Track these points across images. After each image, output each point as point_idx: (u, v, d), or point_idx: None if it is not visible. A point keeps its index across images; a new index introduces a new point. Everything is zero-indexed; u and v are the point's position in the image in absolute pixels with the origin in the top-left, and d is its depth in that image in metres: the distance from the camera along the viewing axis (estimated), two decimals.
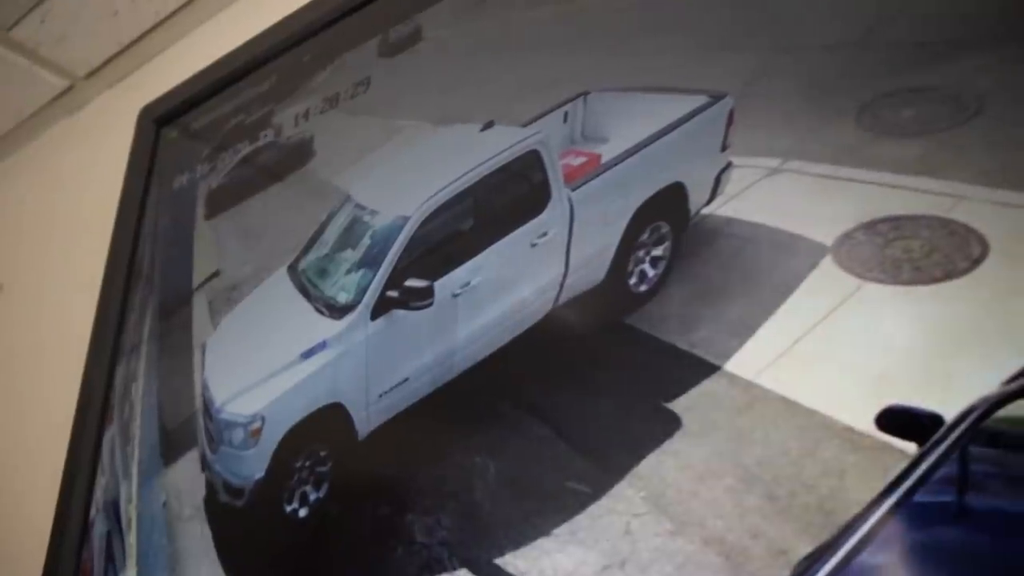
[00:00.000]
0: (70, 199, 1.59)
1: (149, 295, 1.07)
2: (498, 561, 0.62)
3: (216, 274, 1.00)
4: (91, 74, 1.65)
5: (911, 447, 0.50)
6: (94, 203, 1.47)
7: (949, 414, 0.49)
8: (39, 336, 1.46)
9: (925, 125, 0.57)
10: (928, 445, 0.50)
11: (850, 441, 0.52)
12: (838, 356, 0.54)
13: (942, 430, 0.50)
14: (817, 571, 0.50)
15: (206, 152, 1.13)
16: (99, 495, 0.96)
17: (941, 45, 0.59)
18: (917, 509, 0.50)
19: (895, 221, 0.55)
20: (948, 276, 0.52)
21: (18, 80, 1.65)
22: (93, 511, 0.95)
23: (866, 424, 0.51)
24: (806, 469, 0.52)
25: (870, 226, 0.56)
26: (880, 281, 0.55)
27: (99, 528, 0.93)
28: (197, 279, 1.02)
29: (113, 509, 0.93)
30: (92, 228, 1.43)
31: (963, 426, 0.49)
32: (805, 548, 0.51)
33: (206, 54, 1.27)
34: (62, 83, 1.67)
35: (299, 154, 0.99)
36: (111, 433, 0.99)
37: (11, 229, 1.74)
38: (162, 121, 1.22)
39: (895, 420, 0.51)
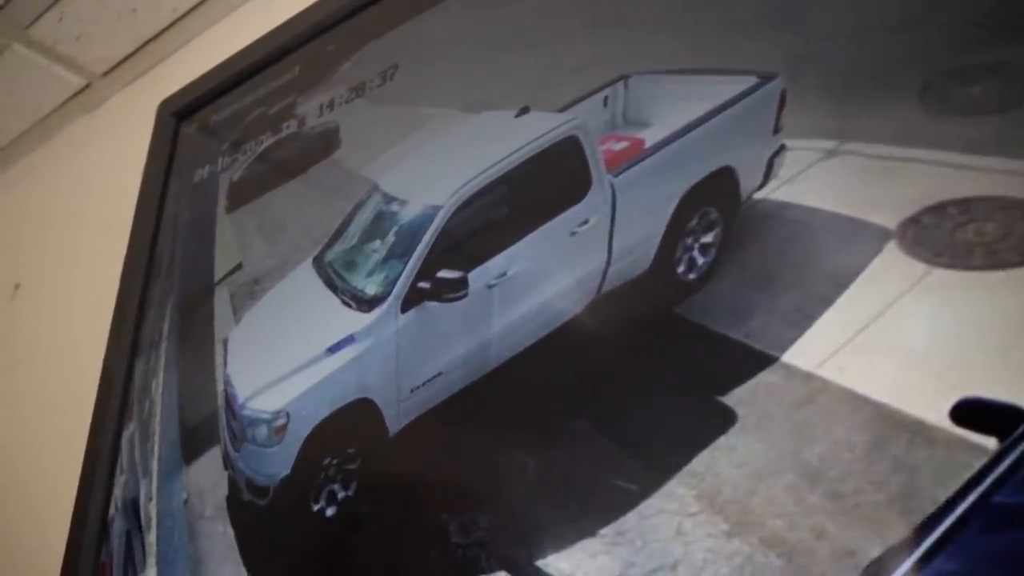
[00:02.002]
0: (88, 197, 1.58)
1: (169, 290, 1.04)
2: (539, 563, 0.59)
3: (238, 267, 0.98)
4: (109, 72, 1.65)
5: (990, 442, 0.47)
6: (112, 201, 1.46)
7: None
8: (57, 334, 1.45)
9: (996, 102, 0.54)
10: (1010, 440, 0.47)
11: (922, 435, 0.48)
12: (906, 346, 0.51)
13: None
14: (890, 574, 0.47)
15: (227, 145, 1.11)
16: (118, 493, 0.93)
17: (1009, 19, 0.56)
18: (998, 510, 0.46)
19: (965, 203, 0.52)
20: None
21: (36, 78, 1.65)
22: (112, 509, 0.93)
23: (939, 417, 0.48)
24: (874, 465, 0.49)
25: (937, 209, 0.53)
26: (950, 267, 0.51)
27: (118, 527, 0.91)
28: (219, 273, 1.00)
29: (133, 507, 0.91)
30: (110, 226, 1.41)
31: None
32: (874, 551, 0.47)
33: (225, 50, 1.26)
34: (80, 81, 1.67)
35: (324, 144, 0.97)
36: (131, 431, 0.97)
37: (29, 228, 1.74)
38: (181, 115, 1.21)
39: (972, 413, 0.48)
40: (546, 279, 0.68)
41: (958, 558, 0.46)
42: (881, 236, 0.54)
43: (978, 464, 0.47)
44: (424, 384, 0.71)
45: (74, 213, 1.61)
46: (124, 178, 1.43)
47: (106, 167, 1.58)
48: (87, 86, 1.70)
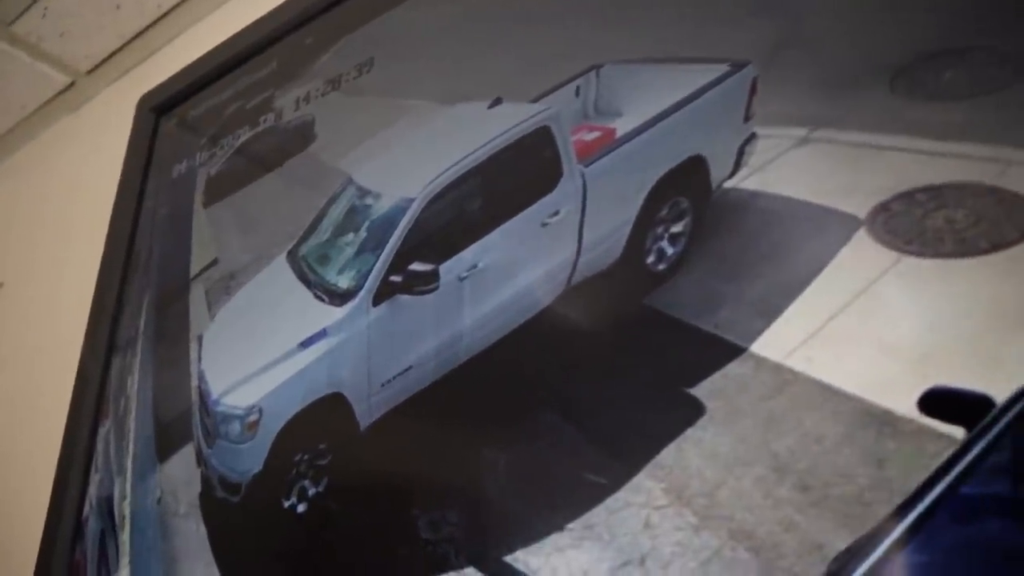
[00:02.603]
0: (72, 196, 1.57)
1: (146, 286, 1.03)
2: (508, 559, 0.58)
3: (214, 263, 0.97)
4: (93, 69, 1.63)
5: (958, 432, 0.46)
6: (97, 200, 1.45)
7: (1000, 396, 0.45)
8: (40, 333, 1.44)
9: (967, 88, 0.53)
10: (977, 430, 0.46)
11: (890, 426, 0.48)
12: (875, 335, 0.50)
13: (992, 414, 0.45)
14: (856, 568, 0.46)
15: (205, 139, 1.10)
16: (93, 492, 0.92)
17: (979, 5, 0.55)
18: (965, 501, 0.46)
19: (936, 190, 0.51)
20: (996, 247, 0.48)
21: (19, 76, 1.63)
22: (87, 509, 0.92)
23: (908, 408, 0.47)
24: (843, 457, 0.48)
25: (908, 196, 0.52)
26: (920, 254, 0.50)
27: (93, 526, 0.90)
28: (195, 268, 0.99)
29: (107, 506, 0.89)
30: (94, 225, 1.40)
31: (1016, 409, 0.45)
32: (842, 543, 0.46)
33: (209, 47, 1.25)
34: (64, 79, 1.65)
35: (300, 138, 0.96)
36: (106, 428, 0.96)
37: (12, 227, 1.72)
38: (160, 110, 1.19)
39: (940, 403, 0.47)
40: (517, 271, 0.67)
41: (927, 548, 0.46)
42: (851, 224, 0.53)
43: (946, 454, 0.46)
44: (395, 378, 0.70)
45: (58, 212, 1.60)
46: (109, 177, 1.42)
47: (91, 166, 1.56)
48: (71, 84, 1.68)
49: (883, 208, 0.53)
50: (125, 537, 0.86)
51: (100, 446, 0.95)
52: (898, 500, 0.46)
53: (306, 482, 0.73)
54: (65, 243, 1.52)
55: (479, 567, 0.59)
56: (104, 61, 1.62)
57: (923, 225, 0.51)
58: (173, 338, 0.95)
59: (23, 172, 1.78)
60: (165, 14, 1.52)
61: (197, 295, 0.96)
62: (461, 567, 0.60)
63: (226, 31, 1.23)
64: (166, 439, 0.88)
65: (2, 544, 1.09)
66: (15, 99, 1.71)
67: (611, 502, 0.55)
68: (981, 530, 0.46)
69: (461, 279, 0.68)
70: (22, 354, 1.47)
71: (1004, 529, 0.45)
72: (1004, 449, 0.45)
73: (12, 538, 1.07)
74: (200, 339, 0.89)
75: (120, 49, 1.60)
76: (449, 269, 0.69)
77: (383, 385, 0.70)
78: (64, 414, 1.12)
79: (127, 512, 0.87)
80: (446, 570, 0.60)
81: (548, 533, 0.57)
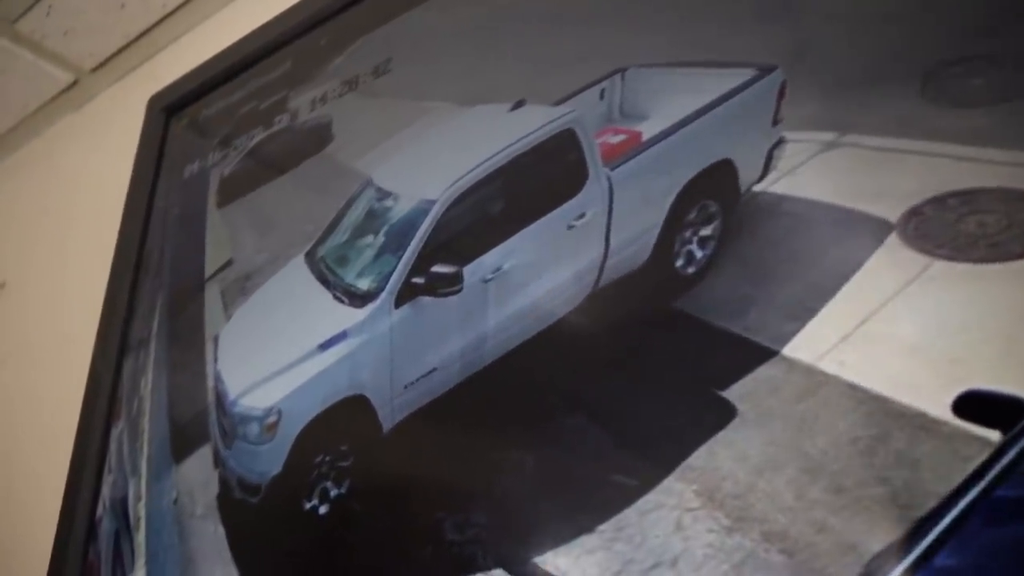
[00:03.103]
0: (75, 195, 1.56)
1: (159, 287, 1.03)
2: (537, 560, 0.58)
3: (229, 263, 0.96)
4: (97, 68, 1.63)
5: (994, 435, 0.46)
6: (100, 199, 1.44)
7: None
8: (44, 333, 1.43)
9: (997, 94, 0.53)
10: (1013, 433, 0.46)
11: (924, 428, 0.48)
12: (908, 338, 0.50)
13: None
14: (891, 570, 0.46)
15: (218, 139, 1.10)
16: (107, 492, 0.92)
17: (1008, 10, 0.56)
18: (1001, 504, 0.46)
19: (967, 195, 0.52)
20: None
21: (23, 74, 1.62)
22: (100, 509, 0.91)
23: (941, 410, 0.48)
24: (876, 459, 0.49)
25: (939, 200, 0.52)
26: (952, 259, 0.51)
27: (106, 526, 0.90)
28: (209, 269, 0.99)
29: (121, 507, 0.89)
30: (97, 224, 1.39)
31: None
32: (877, 545, 0.47)
33: (215, 46, 1.25)
34: (68, 77, 1.64)
35: (316, 139, 0.96)
36: (119, 429, 0.95)
37: (14, 226, 1.71)
38: (171, 110, 1.19)
39: (975, 406, 0.47)
40: (543, 273, 0.67)
41: (961, 552, 0.46)
42: (882, 228, 0.54)
43: (981, 457, 0.46)
44: (419, 380, 0.70)
45: (61, 211, 1.59)
46: (112, 176, 1.41)
47: (94, 164, 1.56)
48: (75, 82, 1.67)
49: (915, 212, 0.53)
50: (140, 538, 0.85)
51: (113, 447, 0.95)
52: (933, 503, 0.46)
53: (328, 483, 0.73)
54: (67, 242, 1.51)
55: (507, 569, 0.59)
56: (108, 59, 1.61)
57: (955, 230, 0.51)
58: (188, 339, 0.94)
59: (25, 170, 1.77)
60: (170, 13, 1.51)
61: (212, 296, 0.95)
62: (489, 568, 0.60)
63: (231, 30, 1.23)
64: (182, 440, 0.88)
65: (14, 545, 1.08)
66: (18, 97, 1.70)
67: (642, 504, 0.55)
68: (1016, 534, 0.46)
69: (486, 281, 0.69)
70: (24, 353, 1.46)
71: None
72: None
73: (23, 539, 1.07)
74: (216, 340, 0.89)
75: (125, 48, 1.59)
76: (473, 271, 0.69)
77: (406, 387, 0.70)
78: (67, 413, 1.11)
79: (142, 513, 0.87)
80: (473, 571, 0.60)
81: (578, 535, 0.57)
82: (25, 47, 1.55)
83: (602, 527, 0.56)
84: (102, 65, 1.62)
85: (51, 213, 1.62)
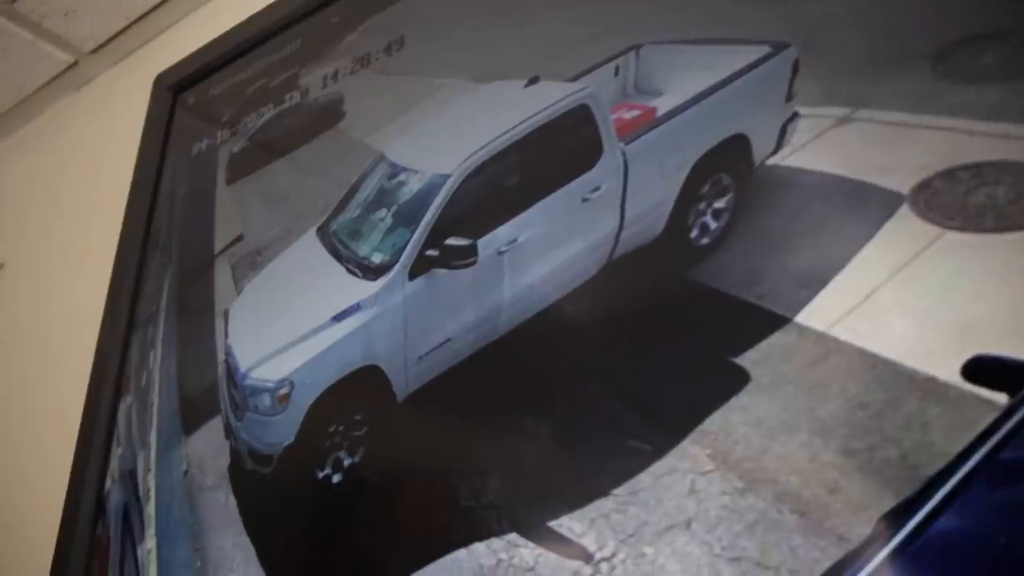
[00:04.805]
0: (74, 176, 1.56)
1: (167, 263, 1.03)
2: (552, 524, 0.59)
3: (239, 239, 0.97)
4: (97, 49, 1.62)
5: (1000, 398, 0.48)
6: (99, 180, 1.44)
7: None
8: (45, 312, 1.43)
9: (1007, 70, 0.55)
10: (1019, 397, 0.48)
11: (934, 392, 0.49)
12: (919, 306, 0.52)
13: None
14: (901, 528, 0.48)
15: (226, 117, 1.10)
16: (115, 465, 0.92)
17: None
18: (1006, 466, 0.47)
19: (977, 168, 0.53)
20: None
21: (22, 54, 1.61)
22: (108, 482, 0.92)
23: (950, 375, 0.49)
24: (887, 422, 0.50)
25: (949, 173, 0.54)
26: (962, 229, 0.52)
27: (115, 499, 0.90)
28: (219, 245, 0.99)
29: (131, 479, 0.89)
30: (96, 205, 1.39)
31: None
32: (887, 504, 0.48)
33: (215, 29, 1.25)
34: (68, 58, 1.63)
35: (328, 115, 0.96)
36: (127, 403, 0.96)
37: (13, 206, 1.71)
38: (178, 88, 1.19)
39: (983, 370, 0.49)
40: (558, 245, 0.68)
41: (967, 512, 0.47)
42: (894, 200, 0.55)
43: (989, 419, 0.48)
44: (433, 351, 0.71)
45: (60, 191, 1.59)
46: (111, 157, 1.41)
47: (93, 146, 1.56)
48: (75, 63, 1.67)
49: (925, 185, 0.54)
50: (151, 510, 0.86)
51: (122, 420, 0.95)
52: (942, 463, 0.48)
53: (341, 453, 0.73)
54: (66, 221, 1.51)
55: (521, 533, 0.60)
56: (109, 41, 1.60)
57: (965, 201, 0.53)
58: (198, 314, 0.95)
59: (24, 151, 1.76)
60: None
61: (222, 271, 0.96)
62: (504, 533, 0.61)
63: (231, 13, 1.23)
64: (192, 413, 0.88)
65: (23, 519, 1.09)
66: (16, 78, 1.69)
67: (656, 468, 0.57)
68: (1018, 494, 0.48)
69: (500, 253, 0.70)
70: (25, 333, 1.46)
71: None
72: None
73: (31, 514, 1.07)
74: (227, 314, 0.89)
75: (125, 29, 1.58)
76: (488, 243, 0.70)
77: (420, 358, 0.71)
78: (67, 390, 1.11)
79: (152, 485, 0.87)
80: (489, 536, 0.61)
81: (593, 499, 0.58)
82: (24, 27, 1.54)
83: (616, 491, 0.57)
84: (102, 46, 1.61)
85: (50, 193, 1.62)
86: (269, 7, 1.11)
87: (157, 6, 1.53)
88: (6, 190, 1.75)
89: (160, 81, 1.22)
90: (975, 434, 0.48)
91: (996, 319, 0.49)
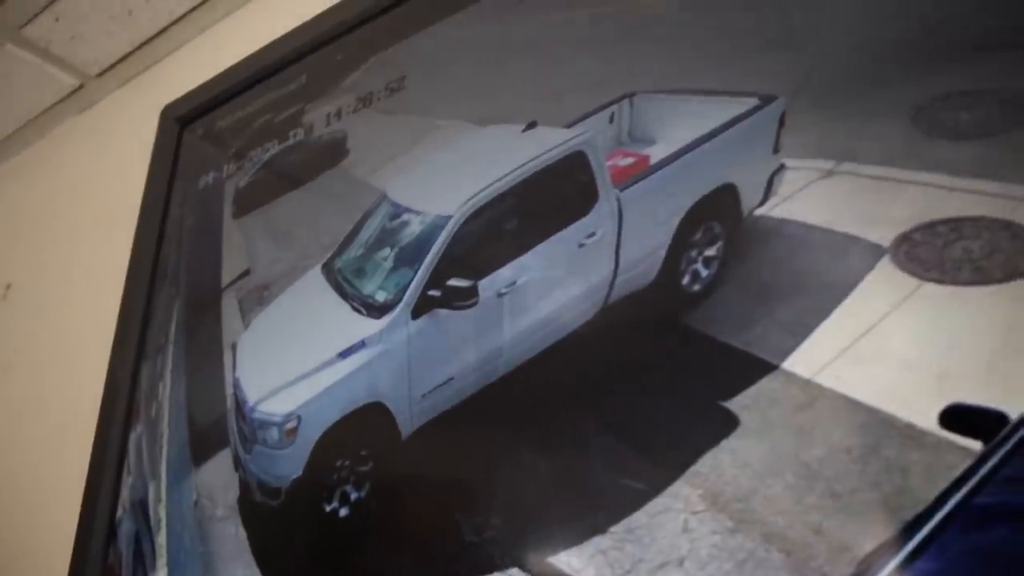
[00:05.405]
0: (79, 198, 1.59)
1: (175, 295, 1.06)
2: (552, 559, 0.62)
3: (246, 273, 0.99)
4: (103, 73, 1.65)
5: (976, 445, 0.51)
6: (104, 202, 1.47)
7: (1014, 412, 0.50)
8: (49, 335, 1.45)
9: (983, 128, 0.58)
10: (993, 443, 0.50)
11: (913, 439, 0.52)
12: (899, 355, 0.54)
13: (1007, 429, 0.50)
14: (882, 568, 0.51)
15: (232, 151, 1.13)
16: (126, 495, 0.95)
17: (995, 48, 0.60)
18: (979, 510, 0.50)
19: (954, 222, 0.56)
20: (1010, 277, 0.53)
21: (28, 78, 1.64)
22: (120, 511, 0.94)
23: (928, 422, 0.52)
24: (869, 466, 0.53)
25: (929, 227, 0.57)
26: (940, 281, 0.55)
27: (127, 528, 0.92)
28: (226, 278, 1.02)
29: (141, 509, 0.92)
30: (102, 227, 1.42)
31: None
32: (869, 545, 0.51)
33: (220, 54, 1.28)
34: (73, 81, 1.67)
35: (331, 153, 0.99)
36: (138, 432, 0.98)
37: (19, 228, 1.73)
38: (185, 120, 1.22)
39: (959, 418, 0.52)
40: (555, 288, 0.71)
41: (942, 555, 0.50)
42: (875, 252, 0.58)
43: (963, 466, 0.51)
44: (436, 389, 0.73)
45: (66, 214, 1.61)
46: (116, 179, 1.44)
47: (98, 168, 1.58)
48: (80, 86, 1.70)
49: (905, 238, 0.57)
50: (161, 539, 0.88)
51: (132, 450, 0.97)
52: (920, 507, 0.51)
53: (348, 487, 0.76)
54: (72, 244, 1.53)
55: (523, 568, 0.63)
56: (114, 65, 1.63)
57: (943, 254, 0.55)
58: (206, 346, 0.97)
59: (30, 173, 1.79)
60: (176, 20, 1.54)
61: (229, 304, 0.98)
62: (505, 568, 0.64)
63: (236, 39, 1.26)
64: (201, 444, 0.91)
65: (35, 548, 1.11)
66: (22, 101, 1.72)
67: (651, 507, 0.59)
68: (992, 538, 0.50)
69: (500, 295, 0.72)
70: (30, 355, 1.48)
71: (1016, 536, 0.50)
72: (1018, 461, 0.50)
73: (43, 540, 1.09)
74: (234, 347, 0.92)
75: (131, 54, 1.61)
76: (488, 285, 0.72)
77: (424, 396, 0.74)
78: (74, 414, 1.14)
79: (163, 515, 0.90)
80: (491, 570, 0.64)
81: (591, 536, 0.61)
82: (31, 52, 1.57)
83: (613, 528, 0.60)
84: (108, 70, 1.64)
85: (56, 215, 1.64)
86: (277, 41, 1.14)
87: (162, 31, 1.56)
88: (13, 210, 1.78)
89: (167, 112, 1.25)
90: (951, 480, 0.51)
91: (971, 369, 0.52)
